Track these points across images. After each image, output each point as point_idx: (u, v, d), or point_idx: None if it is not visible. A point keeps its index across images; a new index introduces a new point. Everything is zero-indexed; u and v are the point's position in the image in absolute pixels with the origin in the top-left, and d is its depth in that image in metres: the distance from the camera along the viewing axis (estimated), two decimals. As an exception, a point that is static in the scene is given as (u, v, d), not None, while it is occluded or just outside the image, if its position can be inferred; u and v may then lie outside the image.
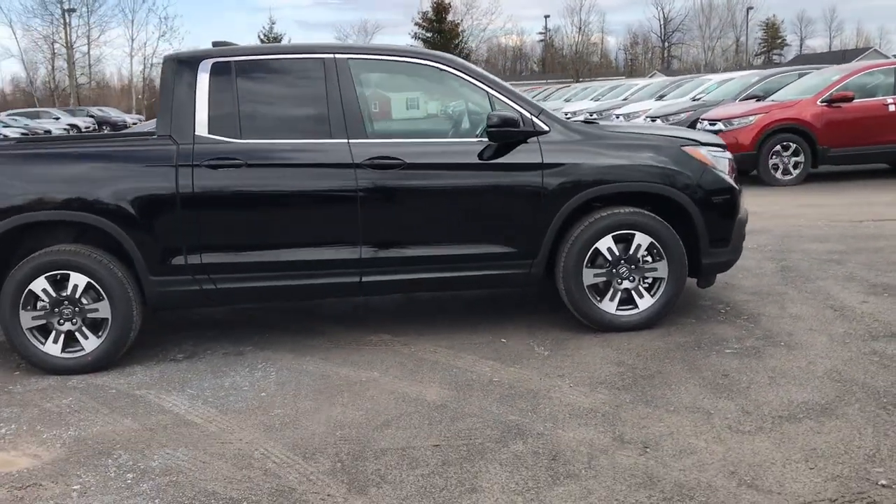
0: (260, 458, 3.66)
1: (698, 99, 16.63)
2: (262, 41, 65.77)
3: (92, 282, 4.86)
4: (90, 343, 4.92)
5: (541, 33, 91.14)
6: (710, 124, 12.70)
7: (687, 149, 5.16)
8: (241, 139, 4.91)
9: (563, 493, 3.21)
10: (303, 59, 5.10)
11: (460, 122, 5.44)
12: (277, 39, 66.14)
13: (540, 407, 4.06)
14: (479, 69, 5.28)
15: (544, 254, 5.05)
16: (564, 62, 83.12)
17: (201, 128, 4.91)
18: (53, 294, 4.85)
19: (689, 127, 13.74)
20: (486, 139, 4.97)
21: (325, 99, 4.97)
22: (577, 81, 55.49)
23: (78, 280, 4.85)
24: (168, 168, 4.83)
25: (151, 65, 71.57)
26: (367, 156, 4.89)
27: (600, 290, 5.14)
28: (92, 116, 48.58)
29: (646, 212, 5.08)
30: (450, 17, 65.91)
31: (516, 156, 4.98)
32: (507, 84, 5.22)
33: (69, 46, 65.33)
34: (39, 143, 5.96)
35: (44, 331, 4.91)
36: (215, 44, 5.49)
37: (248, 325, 5.79)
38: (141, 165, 4.87)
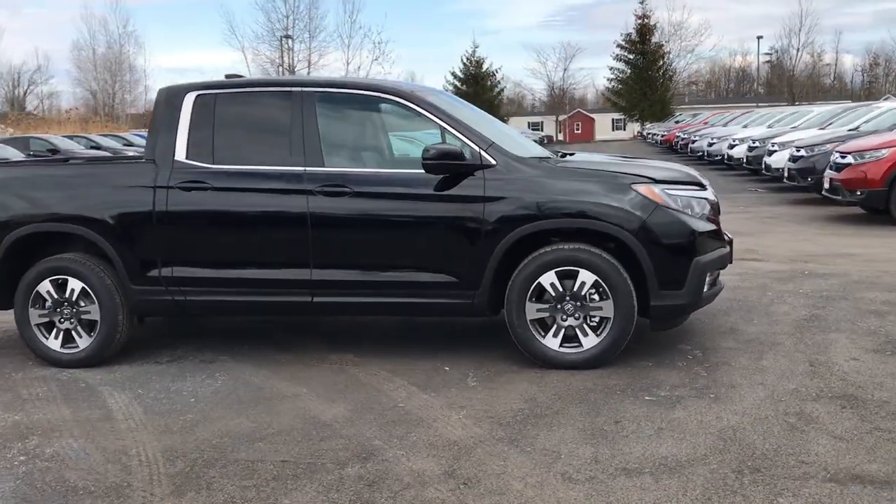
0: (132, 455, 4.02)
1: (857, 128, 15.37)
2: (464, 64, 67.82)
3: (86, 287, 5.49)
4: (83, 341, 5.55)
5: (767, 54, 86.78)
6: (841, 157, 11.79)
7: (637, 186, 4.99)
8: (212, 164, 5.36)
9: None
10: (274, 92, 5.49)
11: (412, 152, 5.58)
12: (479, 64, 67.89)
13: (410, 435, 4.14)
14: (439, 101, 5.39)
15: (486, 285, 5.07)
16: (791, 83, 78.23)
17: (180, 153, 5.41)
18: (56, 295, 5.53)
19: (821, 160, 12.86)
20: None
21: (289, 129, 5.31)
22: (793, 104, 52.35)
23: (75, 284, 5.50)
24: (148, 189, 5.37)
25: (365, 87, 75.27)
26: (319, 182, 5.17)
27: (546, 326, 5.08)
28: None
29: (591, 249, 4.97)
30: (654, 39, 64.48)
31: (460, 188, 5.06)
32: (461, 117, 5.29)
33: (291, 70, 70.62)
34: (44, 164, 6.76)
35: (49, 327, 5.59)
36: (227, 76, 6.02)
37: (243, 335, 6.24)
38: (126, 186, 5.44)
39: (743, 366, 5.05)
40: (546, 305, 5.04)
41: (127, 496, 3.58)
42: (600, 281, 4.95)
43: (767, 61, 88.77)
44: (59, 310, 5.55)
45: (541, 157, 5.35)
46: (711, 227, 5.19)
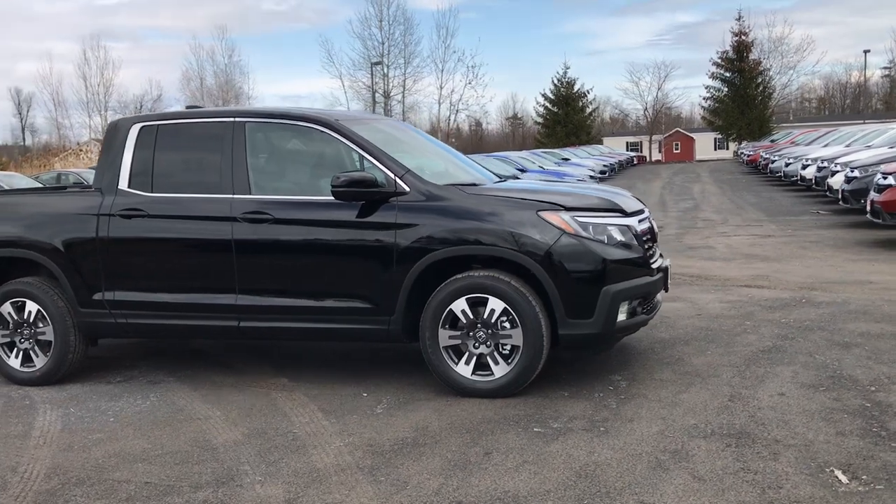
0: (18, 471, 4.22)
1: (921, 147, 14.53)
2: (554, 85, 67.55)
3: (41, 309, 5.79)
4: (40, 360, 5.85)
5: (886, 67, 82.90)
6: (883, 177, 11.19)
7: (543, 213, 4.91)
8: (151, 193, 5.59)
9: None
10: (211, 123, 5.68)
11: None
12: (570, 85, 67.44)
13: (282, 461, 4.19)
14: (362, 129, 5.45)
15: (400, 311, 5.09)
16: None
17: (123, 182, 5.67)
18: (15, 317, 5.85)
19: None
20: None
21: (220, 158, 5.49)
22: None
23: (31, 307, 5.81)
24: (92, 217, 5.64)
25: (457, 111, 76.16)
26: (243, 210, 5.32)
27: (460, 353, 5.05)
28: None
29: (499, 276, 4.92)
30: (752, 56, 62.59)
31: (375, 215, 5.11)
32: (380, 145, 5.32)
33: (386, 95, 71.97)
34: (8, 194, 7.14)
35: (10, 347, 5.92)
36: (188, 107, 6.27)
37: (200, 357, 6.44)
38: (73, 213, 5.73)
39: (658, 398, 4.87)
40: (458, 332, 5.01)
41: (-14, 510, 3.76)
42: (508, 308, 4.89)
43: (886, 75, 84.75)
44: (18, 330, 5.87)
45: (460, 185, 5.33)
46: (630, 254, 5.04)
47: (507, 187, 5.51)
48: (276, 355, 6.39)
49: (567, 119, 66.34)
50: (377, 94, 74.01)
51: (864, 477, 3.65)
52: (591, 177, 25.99)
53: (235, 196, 5.38)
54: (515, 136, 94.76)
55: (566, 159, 34.24)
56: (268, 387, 5.54)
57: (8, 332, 5.90)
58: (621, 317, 4.99)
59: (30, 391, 5.72)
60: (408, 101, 74.72)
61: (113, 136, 5.81)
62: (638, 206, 5.54)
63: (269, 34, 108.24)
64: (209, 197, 5.44)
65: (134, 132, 5.74)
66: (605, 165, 36.76)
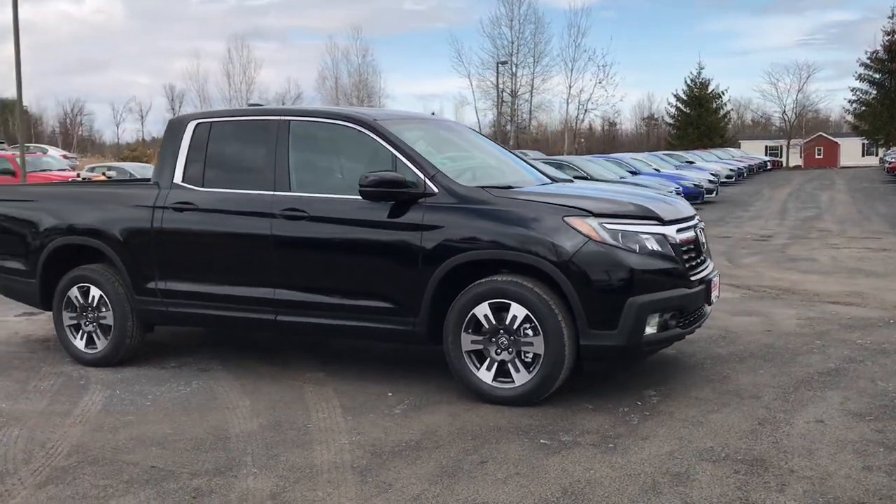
0: (46, 447, 4.46)
1: None
2: (687, 85, 65.52)
3: (103, 295, 6.12)
4: (101, 343, 6.17)
5: None
6: None
7: (570, 219, 4.76)
8: (202, 188, 5.80)
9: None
10: (261, 121, 5.82)
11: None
12: (704, 86, 65.21)
13: (283, 455, 4.25)
14: (399, 130, 5.43)
15: (425, 313, 5.06)
16: None
17: (178, 176, 5.90)
18: (81, 301, 6.21)
19: None
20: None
21: (266, 155, 5.62)
22: None
23: (95, 292, 6.14)
24: (148, 209, 5.90)
25: (586, 110, 74.95)
26: (282, 206, 5.43)
27: (483, 358, 4.98)
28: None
29: (522, 282, 4.81)
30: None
31: (404, 216, 5.10)
32: (413, 146, 5.31)
33: (514, 94, 71.71)
34: (77, 185, 7.50)
35: (76, 329, 6.28)
36: (249, 104, 6.46)
37: (252, 349, 6.62)
38: (131, 206, 6.01)
39: (685, 417, 4.64)
40: (481, 337, 4.94)
41: (2, 481, 4.00)
42: (531, 315, 4.78)
43: None
44: (84, 314, 6.21)
45: (492, 187, 5.24)
46: (663, 265, 4.82)
47: (541, 191, 5.37)
48: (324, 352, 6.49)
49: (699, 120, 64.24)
50: (504, 94, 73.81)
51: (872, 518, 3.35)
52: (712, 181, 25.03)
53: (276, 193, 5.49)
54: (650, 136, 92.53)
55: (690, 162, 33.10)
56: (304, 380, 5.63)
57: (75, 314, 6.25)
58: (650, 330, 4.77)
59: (89, 371, 6.04)
60: (535, 99, 74.09)
61: (172, 132, 6.05)
62: (682, 213, 5.29)
63: (404, 34, 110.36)
64: (252, 193, 5.58)
65: (190, 128, 5.95)
66: (731, 170, 35.36)
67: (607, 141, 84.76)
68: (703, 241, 5.40)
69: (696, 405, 4.86)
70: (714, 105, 65.70)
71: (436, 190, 5.08)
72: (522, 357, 4.86)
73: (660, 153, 33.99)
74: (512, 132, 71.90)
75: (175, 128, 6.05)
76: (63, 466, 4.18)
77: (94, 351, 6.20)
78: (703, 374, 5.53)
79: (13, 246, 6.54)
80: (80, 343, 6.25)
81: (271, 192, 5.51)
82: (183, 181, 5.88)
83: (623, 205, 5.05)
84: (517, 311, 4.81)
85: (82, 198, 6.39)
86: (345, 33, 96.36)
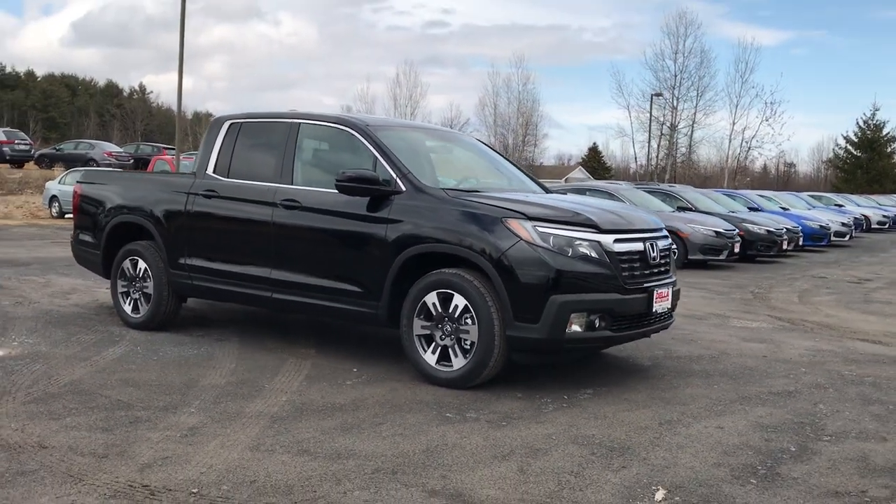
0: (52, 379, 5.36)
1: None
2: (859, 127, 62.03)
3: (147, 267, 7.09)
4: (143, 309, 7.14)
5: None
6: None
7: (508, 220, 5.20)
8: (226, 178, 6.65)
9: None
10: (279, 123, 6.60)
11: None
12: (879, 128, 61.49)
13: (224, 404, 4.93)
14: (386, 135, 6.04)
15: (386, 299, 5.63)
16: None
17: (210, 168, 6.79)
18: (132, 272, 7.21)
19: None
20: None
21: (278, 152, 6.40)
22: None
23: (142, 264, 7.13)
24: (184, 194, 6.82)
25: (749, 147, 72.22)
26: (282, 197, 6.18)
27: (431, 342, 5.48)
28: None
29: (464, 274, 5.29)
30: None
31: (377, 210, 5.71)
32: (394, 149, 5.89)
33: (673, 128, 70.29)
34: (136, 172, 8.50)
35: (126, 296, 7.30)
36: (290, 111, 7.30)
37: (276, 328, 7.41)
38: (173, 191, 6.95)
39: (594, 412, 4.97)
40: (429, 323, 5.45)
41: (1, 396, 4.92)
42: (469, 305, 5.25)
43: None
44: (133, 283, 7.21)
45: (451, 189, 5.75)
46: (593, 269, 5.17)
47: (499, 196, 5.77)
48: (327, 334, 7.16)
49: (870, 164, 60.66)
50: (665, 126, 72.23)
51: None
52: (846, 225, 23.93)
53: (279, 185, 6.25)
54: (828, 178, 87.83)
55: (839, 205, 31.58)
56: (294, 355, 6.32)
57: (126, 283, 7.26)
58: (575, 328, 5.13)
59: (129, 332, 7.00)
60: (696, 134, 72.24)
61: (212, 130, 6.96)
62: (633, 226, 5.58)
63: (571, 66, 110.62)
64: (261, 184, 6.37)
65: (225, 127, 6.84)
66: (885, 216, 33.38)
67: (781, 182, 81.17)
68: (656, 254, 5.64)
69: (616, 404, 5.15)
70: (888, 149, 61.81)
71: (403, 188, 5.65)
72: (462, 344, 5.33)
73: (805, 194, 32.59)
74: (669, 165, 70.48)
75: (214, 126, 6.96)
76: (52, 393, 5.05)
77: (138, 316, 7.17)
78: (652, 383, 5.76)
79: (89, 221, 7.66)
80: (128, 308, 7.25)
81: (275, 185, 6.27)
82: (214, 172, 6.75)
83: (561, 211, 5.43)
84: (458, 301, 5.30)
85: (138, 183, 7.43)
86: (523, 62, 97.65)
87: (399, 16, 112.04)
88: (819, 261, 18.41)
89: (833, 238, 22.47)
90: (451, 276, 5.34)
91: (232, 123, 6.84)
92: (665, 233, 6.02)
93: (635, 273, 5.42)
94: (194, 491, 3.54)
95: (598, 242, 5.24)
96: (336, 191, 5.87)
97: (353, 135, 6.10)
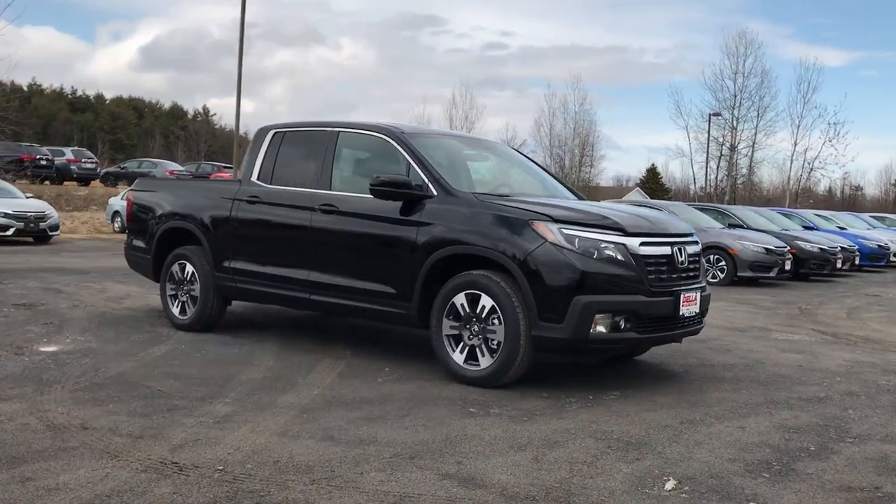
0: (99, 371, 5.65)
1: None
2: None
3: (194, 271, 7.39)
4: (189, 311, 7.42)
5: None
6: None
7: (534, 223, 5.33)
8: (269, 184, 6.92)
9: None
10: (320, 132, 6.84)
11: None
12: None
13: (258, 395, 5.14)
14: (420, 143, 6.22)
15: (417, 300, 5.79)
16: None
17: (255, 175, 7.06)
18: (180, 275, 7.52)
19: None
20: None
21: (319, 159, 6.64)
22: None
23: (189, 268, 7.43)
24: (229, 200, 7.11)
25: (812, 168, 70.63)
26: (320, 202, 6.41)
27: (459, 342, 5.62)
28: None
29: (491, 276, 5.43)
30: None
31: (410, 214, 5.89)
32: (427, 155, 6.07)
33: (732, 148, 69.18)
34: (184, 180, 8.80)
35: (174, 299, 7.60)
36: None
37: (315, 331, 7.63)
38: (218, 198, 7.24)
39: (618, 411, 5.03)
40: (457, 323, 5.59)
41: (48, 383, 5.20)
42: (496, 306, 5.38)
43: None
44: (181, 286, 7.51)
45: (481, 194, 5.90)
46: (618, 271, 5.26)
47: (528, 200, 5.90)
48: (381, 340, 7.35)
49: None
50: (724, 147, 71.01)
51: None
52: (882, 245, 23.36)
53: (318, 191, 6.48)
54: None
55: (901, 226, 30.75)
56: (330, 355, 6.51)
57: (174, 286, 7.56)
58: (600, 328, 5.21)
59: (176, 332, 7.28)
60: (757, 155, 70.92)
61: (257, 138, 7.24)
62: (660, 230, 5.65)
63: (631, 87, 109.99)
64: (301, 190, 6.61)
65: (269, 136, 7.11)
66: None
67: (847, 204, 79.30)
68: (684, 258, 5.70)
69: (640, 404, 5.21)
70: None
71: (435, 192, 5.83)
72: (489, 344, 5.46)
73: (866, 214, 31.87)
74: (729, 186, 69.30)
75: (260, 135, 7.24)
76: (98, 382, 5.33)
77: (185, 317, 7.46)
78: (681, 387, 5.80)
79: (141, 228, 8.01)
80: (176, 310, 7.54)
81: (314, 191, 6.50)
82: (258, 179, 7.02)
83: (588, 214, 5.53)
84: (486, 301, 5.43)
85: (186, 190, 7.75)
86: (587, 83, 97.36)
87: (458, 38, 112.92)
88: (876, 280, 18.02)
89: (893, 258, 21.93)
90: (479, 277, 5.48)
91: (276, 132, 7.11)
92: (695, 239, 6.07)
93: (662, 276, 5.49)
94: (220, 468, 3.73)
95: (624, 245, 5.32)
96: (371, 196, 6.07)
97: (388, 142, 6.30)
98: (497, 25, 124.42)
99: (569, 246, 5.24)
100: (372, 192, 5.94)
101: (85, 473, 3.62)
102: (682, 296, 5.55)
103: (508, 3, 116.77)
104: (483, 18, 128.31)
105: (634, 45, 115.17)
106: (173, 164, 41.15)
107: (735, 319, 9.75)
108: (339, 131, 6.66)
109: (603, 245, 5.29)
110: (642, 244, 5.41)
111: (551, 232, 5.28)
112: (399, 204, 5.95)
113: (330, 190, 6.46)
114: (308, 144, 6.91)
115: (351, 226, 6.23)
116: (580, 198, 6.87)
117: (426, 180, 5.90)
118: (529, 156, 7.55)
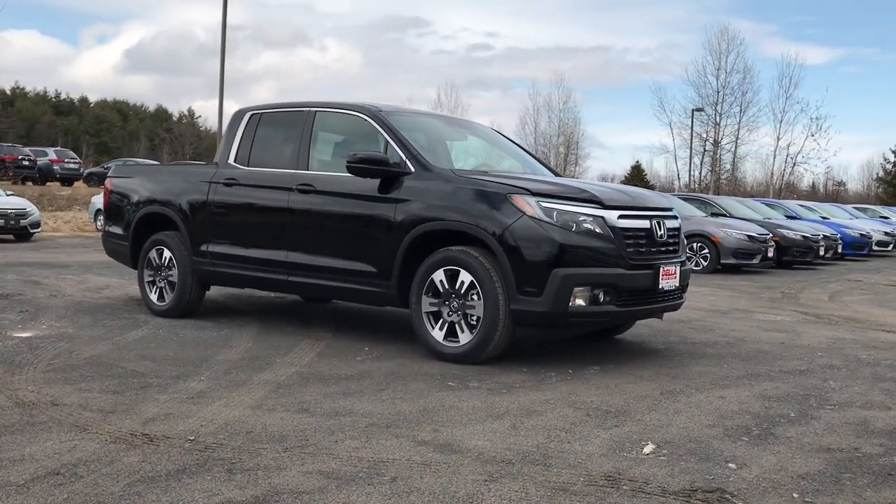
0: (74, 353, 5.56)
1: None
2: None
3: (172, 256, 7.30)
4: (167, 297, 7.33)
5: None
6: None
7: (513, 196, 5.28)
8: (245, 166, 6.84)
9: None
10: (296, 112, 6.77)
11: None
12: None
13: (235, 374, 5.07)
14: (398, 121, 6.16)
15: (396, 277, 5.73)
16: None
17: (232, 158, 6.99)
18: (157, 261, 7.43)
19: None
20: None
21: (295, 139, 6.57)
22: None
23: (167, 253, 7.34)
24: (206, 184, 7.02)
25: (794, 163, 71.08)
26: (298, 182, 6.34)
27: (439, 319, 5.56)
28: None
29: (470, 251, 5.38)
30: None
31: (387, 191, 5.83)
32: (405, 133, 6.01)
33: (716, 144, 69.49)
34: (159, 165, 8.78)
35: (152, 285, 7.50)
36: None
37: (298, 316, 7.56)
38: (195, 181, 7.16)
39: (597, 384, 5.00)
40: (437, 300, 5.54)
41: (20, 365, 5.11)
42: (475, 281, 5.32)
43: None
44: (158, 272, 7.42)
45: (459, 170, 5.85)
46: (597, 244, 5.22)
47: (507, 175, 5.86)
48: (363, 323, 7.28)
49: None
50: (708, 143, 71.36)
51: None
52: (889, 234, 23.45)
53: (296, 171, 6.41)
54: (878, 195, 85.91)
55: (885, 217, 30.91)
56: (310, 337, 6.44)
57: (152, 272, 7.47)
58: (579, 301, 5.17)
59: (153, 318, 7.19)
60: (740, 150, 71.24)
61: (233, 121, 7.16)
62: (638, 203, 5.61)
63: (616, 86, 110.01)
64: (278, 171, 6.53)
65: (246, 118, 7.03)
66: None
67: (829, 199, 79.73)
68: (663, 232, 5.66)
69: (620, 377, 5.17)
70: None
71: (412, 169, 5.77)
72: (468, 319, 5.41)
73: (849, 206, 31.99)
74: (713, 182, 69.57)
75: (236, 118, 7.16)
76: (72, 364, 5.24)
77: (163, 304, 7.37)
78: (661, 362, 5.77)
79: (118, 214, 7.92)
80: (154, 296, 7.45)
81: (292, 171, 6.43)
82: (234, 161, 6.94)
83: (566, 188, 5.50)
84: (465, 277, 5.38)
85: (163, 175, 7.66)
86: (570, 83, 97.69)
87: (443, 40, 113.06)
88: (858, 268, 18.08)
89: (875, 247, 22.04)
90: (458, 252, 5.43)
91: (252, 114, 7.03)
92: (675, 213, 6.05)
93: (641, 249, 5.45)
94: (191, 439, 3.67)
95: (603, 218, 5.28)
96: (349, 174, 6.01)
97: (365, 120, 6.24)
98: (482, 27, 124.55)
99: (547, 219, 5.20)
100: (349, 169, 5.88)
101: (52, 445, 3.54)
102: (661, 269, 5.52)
103: (493, 5, 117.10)
104: (468, 20, 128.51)
105: (618, 44, 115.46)
106: (155, 163, 40.89)
107: (717, 303, 9.74)
108: (316, 111, 6.59)
109: (581, 218, 5.25)
110: (620, 217, 5.38)
111: (529, 205, 5.24)
112: (377, 182, 5.88)
113: (308, 170, 6.39)
114: (285, 125, 6.84)
115: (329, 205, 6.16)
116: (556, 174, 6.82)
117: (404, 157, 5.85)
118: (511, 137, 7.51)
